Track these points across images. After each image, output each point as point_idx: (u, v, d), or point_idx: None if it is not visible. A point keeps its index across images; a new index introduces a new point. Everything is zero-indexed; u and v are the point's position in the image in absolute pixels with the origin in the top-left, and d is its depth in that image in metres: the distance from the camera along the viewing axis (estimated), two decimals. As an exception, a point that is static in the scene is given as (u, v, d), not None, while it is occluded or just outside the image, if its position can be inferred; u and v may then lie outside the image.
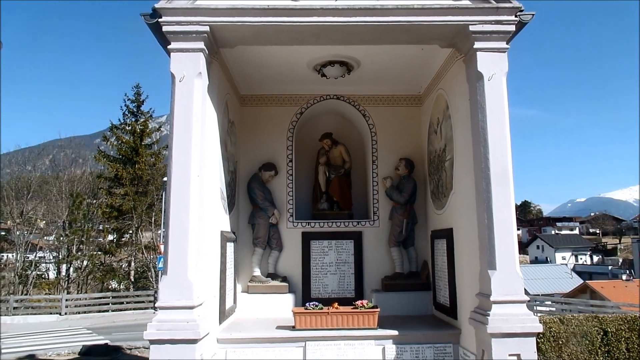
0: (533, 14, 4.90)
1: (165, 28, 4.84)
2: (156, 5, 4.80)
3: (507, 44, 4.96)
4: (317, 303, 5.67)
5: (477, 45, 4.91)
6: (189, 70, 4.85)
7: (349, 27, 4.97)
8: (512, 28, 4.89)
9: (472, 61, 5.02)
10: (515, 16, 4.87)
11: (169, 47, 4.91)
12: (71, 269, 33.34)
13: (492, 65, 4.89)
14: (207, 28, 4.86)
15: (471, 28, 4.87)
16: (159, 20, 4.81)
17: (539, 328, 4.47)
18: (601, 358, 8.64)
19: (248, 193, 6.99)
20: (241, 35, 5.16)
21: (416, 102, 7.46)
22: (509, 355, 4.40)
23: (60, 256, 33.08)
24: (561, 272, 48.01)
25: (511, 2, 4.86)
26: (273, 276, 6.91)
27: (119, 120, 36.53)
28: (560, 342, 8.63)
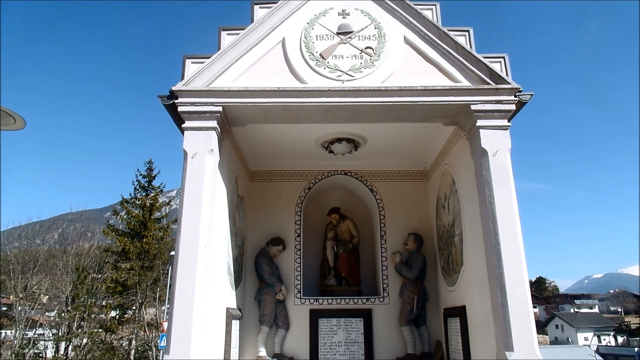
0: (532, 94, 5.12)
1: (180, 108, 5.10)
2: (173, 88, 5.11)
3: (508, 121, 5.13)
4: (325, 387, 5.35)
5: (479, 123, 5.08)
6: (201, 147, 5.03)
7: (356, 107, 5.21)
8: (512, 107, 5.09)
9: (475, 138, 5.16)
10: (515, 96, 5.09)
11: (182, 125, 5.14)
12: (70, 348, 32.09)
13: (496, 142, 5.02)
14: (220, 108, 5.12)
15: (473, 107, 5.08)
16: (175, 101, 5.09)
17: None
18: None
19: (255, 268, 6.89)
20: (252, 115, 5.41)
21: (423, 177, 7.56)
22: None
23: (60, 333, 32.02)
24: (584, 354, 45.16)
25: (510, 83, 5.11)
26: (279, 357, 6.59)
27: (130, 194, 37.10)
28: None
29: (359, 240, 7.55)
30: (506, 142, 5.04)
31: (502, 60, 5.32)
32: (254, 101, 5.14)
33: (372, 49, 5.37)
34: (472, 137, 5.29)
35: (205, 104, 5.10)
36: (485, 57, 5.28)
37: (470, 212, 5.47)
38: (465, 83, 5.20)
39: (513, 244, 4.67)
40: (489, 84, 5.13)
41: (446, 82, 5.22)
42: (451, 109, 5.25)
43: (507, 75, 5.23)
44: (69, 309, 31.83)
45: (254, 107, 5.20)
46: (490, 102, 5.07)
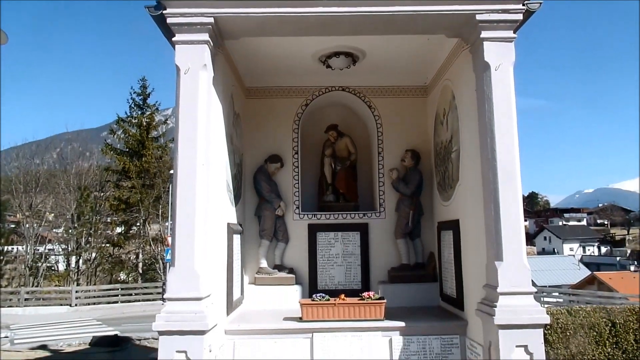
0: (541, 2, 4.81)
1: (169, 20, 4.82)
2: (160, -3, 4.78)
3: (514, 33, 4.89)
4: (323, 294, 5.69)
5: (483, 34, 4.84)
6: (194, 62, 4.83)
7: (355, 18, 4.93)
8: (520, 17, 4.82)
9: (478, 51, 4.95)
10: (523, 5, 4.80)
11: (173, 39, 4.89)
12: (80, 261, 33.74)
13: (499, 55, 4.83)
14: (211, 19, 4.83)
15: (478, 17, 4.81)
16: (163, 12, 4.79)
17: (547, 319, 4.46)
18: (609, 349, 8.61)
19: (254, 185, 7.00)
20: (245, 27, 5.14)
21: (422, 93, 7.41)
22: (516, 346, 4.39)
23: (69, 248, 33.48)
24: (569, 263, 47.83)
25: (519, -10, 4.79)
26: (280, 268, 6.94)
27: (126, 113, 36.64)
28: (568, 334, 8.60)
29: (357, 157, 7.60)
30: (510, 56, 4.84)
31: (512, -37, 4.94)
32: (247, 11, 4.84)
33: (373, -48, 4.95)
34: (475, 50, 5.08)
35: (195, 14, 4.80)
36: (494, -39, 4.89)
37: (468, 128, 5.44)
38: (471, -10, 4.87)
39: (509, 161, 4.69)
40: (496, -9, 4.81)
41: (451, -10, 4.89)
42: (455, 20, 4.97)
43: (516, -19, 4.88)
44: (75, 225, 32.92)
45: (247, 18, 4.91)
46: (497, 11, 4.79)
